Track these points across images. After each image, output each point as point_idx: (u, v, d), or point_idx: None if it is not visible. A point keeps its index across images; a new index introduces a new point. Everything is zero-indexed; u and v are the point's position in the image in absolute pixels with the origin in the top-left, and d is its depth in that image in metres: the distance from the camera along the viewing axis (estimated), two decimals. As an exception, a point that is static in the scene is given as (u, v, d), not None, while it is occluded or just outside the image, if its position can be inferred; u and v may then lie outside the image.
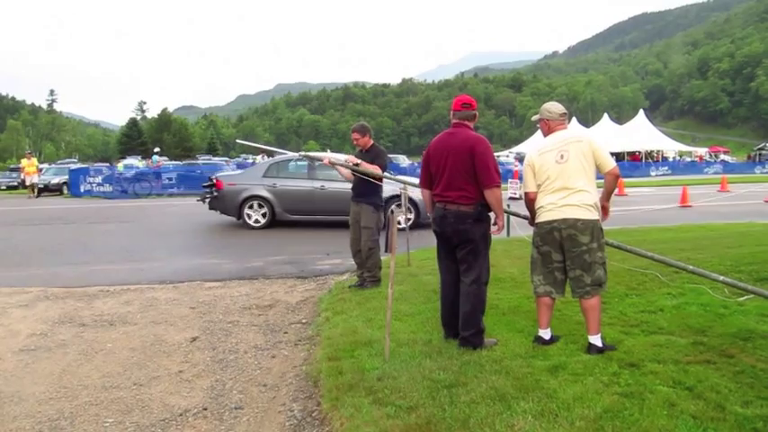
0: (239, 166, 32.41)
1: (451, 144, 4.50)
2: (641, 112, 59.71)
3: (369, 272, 6.73)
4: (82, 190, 25.66)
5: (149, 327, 5.79)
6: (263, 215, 12.75)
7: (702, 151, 59.77)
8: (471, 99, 4.67)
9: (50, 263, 9.32)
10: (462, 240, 4.47)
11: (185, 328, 5.75)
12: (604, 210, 4.47)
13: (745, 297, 5.70)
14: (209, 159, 50.17)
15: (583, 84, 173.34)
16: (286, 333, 5.59)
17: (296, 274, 8.16)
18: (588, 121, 72.59)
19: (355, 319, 5.39)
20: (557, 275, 4.46)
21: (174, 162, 42.30)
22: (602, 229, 4.42)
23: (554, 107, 4.55)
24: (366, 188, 6.66)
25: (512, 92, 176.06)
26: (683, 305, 5.53)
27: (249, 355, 4.98)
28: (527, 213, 4.82)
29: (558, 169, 4.33)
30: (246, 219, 12.81)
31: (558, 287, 4.49)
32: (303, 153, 7.30)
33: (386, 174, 6.98)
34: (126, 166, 35.30)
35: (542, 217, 4.43)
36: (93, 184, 25.75)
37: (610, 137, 51.55)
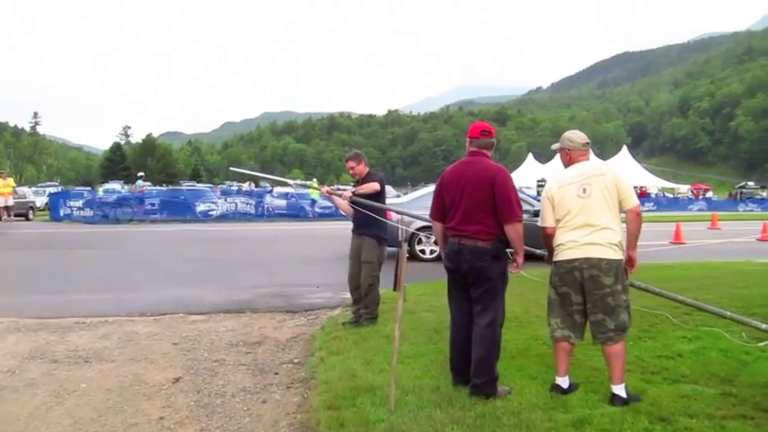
0: (224, 192, 31.90)
1: (469, 174, 4.16)
2: (624, 148, 60.08)
3: (366, 308, 6.33)
4: (62, 214, 25.00)
5: (128, 364, 5.33)
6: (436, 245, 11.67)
7: (685, 188, 60.24)
8: (490, 126, 4.36)
9: (25, 290, 8.81)
10: (479, 279, 4.11)
11: (167, 366, 5.30)
12: (630, 260, 4.11)
13: (765, 342, 5.40)
14: (194, 185, 49.55)
15: (566, 119, 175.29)
16: (277, 374, 5.15)
17: (285, 308, 7.72)
18: (572, 155, 72.68)
19: (353, 361, 4.98)
20: (576, 318, 4.11)
21: (157, 187, 41.69)
22: (626, 269, 4.09)
23: (576, 136, 4.23)
24: (368, 219, 6.29)
25: (496, 125, 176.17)
26: (701, 350, 5.20)
27: (237, 399, 4.54)
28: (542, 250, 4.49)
29: (580, 204, 4.00)
30: (417, 251, 11.87)
31: (576, 331, 4.13)
32: (299, 182, 6.91)
33: (386, 205, 6.64)
34: (106, 191, 34.60)
35: (562, 255, 4.08)
36: (74, 208, 25.12)
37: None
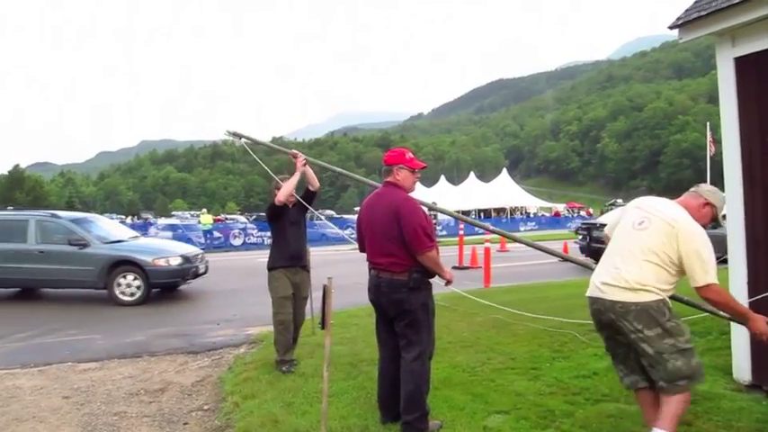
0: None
1: (378, 206, 4.07)
2: (504, 170, 62.91)
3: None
4: None
5: (12, 426, 4.73)
6: None
7: (561, 207, 63.51)
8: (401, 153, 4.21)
9: None
10: (398, 312, 3.97)
11: (60, 425, 4.75)
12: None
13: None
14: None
15: (448, 143, 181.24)
16: (186, 424, 4.75)
17: (186, 349, 7.24)
18: (455, 178, 75.26)
19: (271, 404, 4.68)
20: (632, 357, 3.50)
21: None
22: (668, 308, 3.31)
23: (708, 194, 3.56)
24: (305, 249, 6.17)
25: (381, 151, 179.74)
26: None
27: (146, 456, 4.13)
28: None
29: (628, 234, 3.45)
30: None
31: (641, 374, 3.49)
32: (241, 136, 6.39)
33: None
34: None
35: (587, 290, 3.57)
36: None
37: (477, 194, 54.10)
